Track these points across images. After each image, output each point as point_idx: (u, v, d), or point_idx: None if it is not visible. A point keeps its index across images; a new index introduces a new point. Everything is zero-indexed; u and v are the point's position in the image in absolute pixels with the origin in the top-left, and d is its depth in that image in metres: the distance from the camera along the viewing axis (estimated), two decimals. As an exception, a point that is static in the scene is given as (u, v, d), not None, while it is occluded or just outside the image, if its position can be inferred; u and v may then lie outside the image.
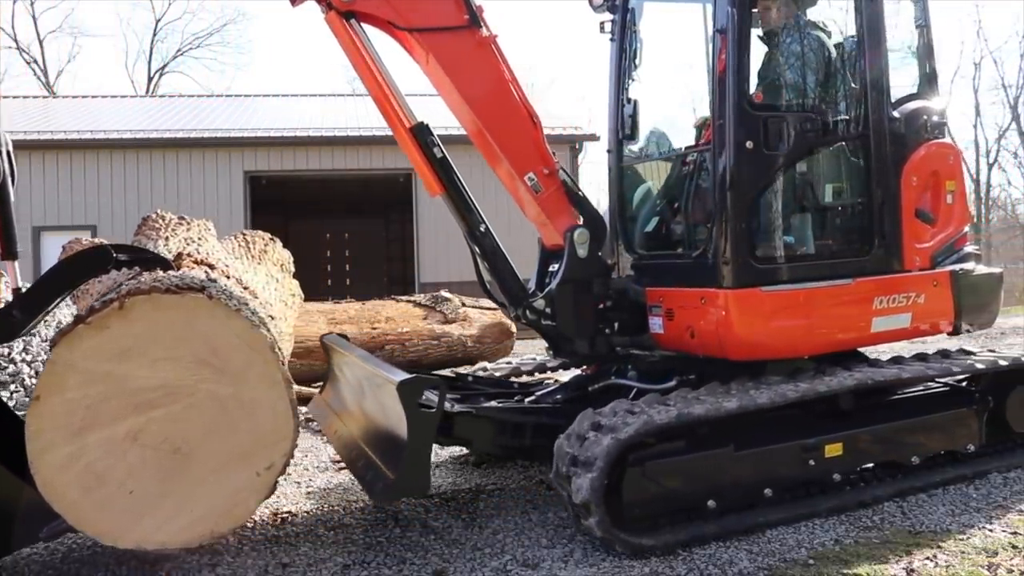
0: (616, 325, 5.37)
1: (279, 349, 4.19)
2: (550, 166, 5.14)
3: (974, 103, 48.34)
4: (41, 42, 46.97)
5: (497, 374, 6.15)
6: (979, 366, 5.13)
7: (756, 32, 5.40)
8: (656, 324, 5.19)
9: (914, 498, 5.00)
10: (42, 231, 19.96)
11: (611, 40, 5.76)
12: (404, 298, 11.59)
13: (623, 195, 5.74)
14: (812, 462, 4.70)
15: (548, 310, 5.18)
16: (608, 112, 5.83)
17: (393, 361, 9.88)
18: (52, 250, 20.51)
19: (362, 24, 4.94)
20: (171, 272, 4.33)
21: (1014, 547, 4.17)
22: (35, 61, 42.05)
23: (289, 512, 5.17)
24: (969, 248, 5.54)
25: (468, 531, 4.71)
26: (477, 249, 5.15)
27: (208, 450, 3.84)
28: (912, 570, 3.92)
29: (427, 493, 4.39)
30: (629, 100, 5.66)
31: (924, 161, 5.28)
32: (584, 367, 5.81)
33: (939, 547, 4.20)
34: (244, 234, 6.23)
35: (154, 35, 46.60)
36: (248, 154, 20.38)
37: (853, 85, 5.15)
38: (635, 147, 5.76)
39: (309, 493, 5.65)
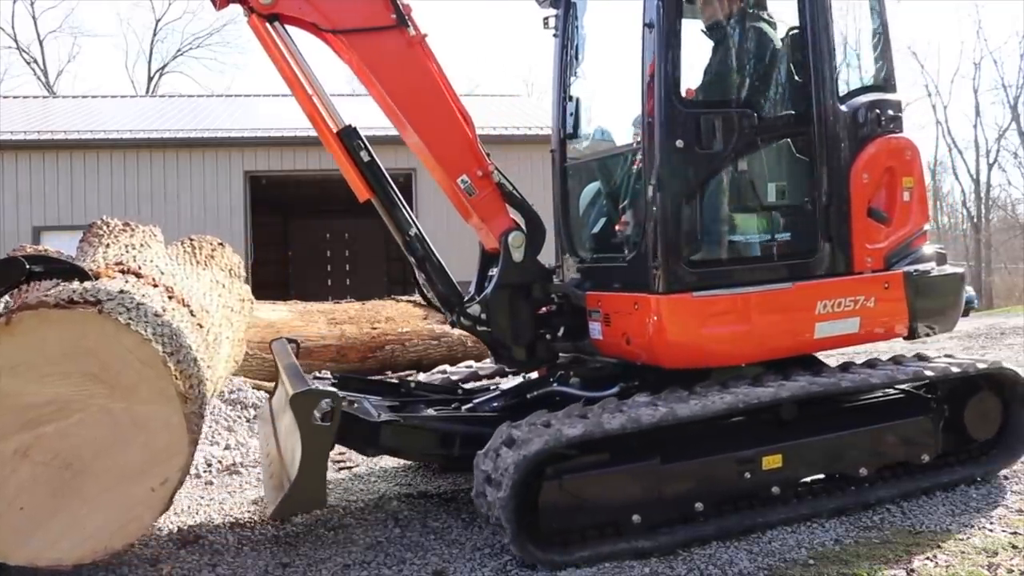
0: (557, 330, 5.18)
1: (188, 361, 4.11)
2: (484, 168, 4.98)
3: (974, 103, 47.91)
4: (41, 42, 47.28)
5: (454, 378, 5.97)
6: (928, 373, 4.86)
7: (700, 26, 5.17)
8: (595, 330, 5.01)
9: (914, 498, 4.91)
10: (42, 231, 19.96)
11: (554, 36, 5.55)
12: (404, 298, 11.48)
13: (566, 196, 5.54)
14: (748, 475, 4.50)
15: (483, 316, 5.01)
16: (551, 110, 5.61)
17: (392, 361, 9.90)
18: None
19: (286, 26, 4.81)
20: (65, 285, 4.22)
21: (1014, 547, 4.12)
22: (35, 61, 42.33)
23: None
24: (929, 248, 5.27)
25: (468, 531, 4.71)
26: (408, 253, 4.99)
27: (101, 466, 3.78)
28: (912, 570, 3.89)
29: (323, 506, 4.24)
30: (571, 98, 5.44)
31: (877, 157, 5.03)
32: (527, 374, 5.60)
33: (939, 547, 4.16)
34: (191, 239, 6.13)
35: (154, 35, 47.03)
36: (248, 154, 20.32)
37: (797, 79, 4.91)
38: (578, 146, 5.55)
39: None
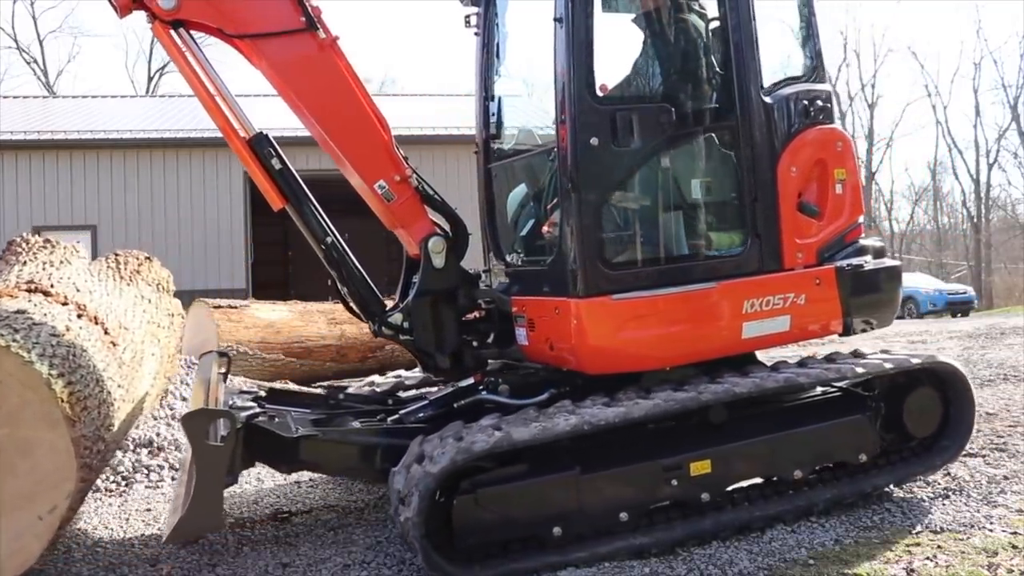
0: (485, 337, 5.01)
1: (85, 382, 3.98)
2: (401, 172, 4.80)
3: (974, 103, 47.28)
4: (41, 42, 47.15)
5: (379, 389, 5.79)
6: (858, 370, 4.62)
7: (630, 18, 4.95)
8: (521, 335, 4.83)
9: (914, 498, 4.86)
10: (42, 231, 19.79)
11: (475, 35, 5.32)
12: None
13: (491, 198, 5.33)
14: (675, 482, 4.30)
15: (405, 324, 4.83)
16: (474, 111, 5.39)
17: (392, 361, 9.75)
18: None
19: (191, 32, 4.64)
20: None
21: (1014, 547, 4.05)
22: (35, 61, 42.28)
23: (289, 512, 5.16)
24: (865, 241, 5.03)
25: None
26: (325, 262, 4.84)
27: (-15, 494, 3.60)
28: (912, 570, 3.85)
29: (220, 529, 4.09)
30: (493, 97, 5.23)
31: (805, 150, 4.79)
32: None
33: (939, 547, 4.10)
34: (117, 255, 5.97)
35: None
36: None
37: (719, 70, 4.67)
38: (502, 147, 5.34)
39: (309, 493, 5.59)
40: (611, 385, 4.52)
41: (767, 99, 4.70)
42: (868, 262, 4.90)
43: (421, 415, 4.90)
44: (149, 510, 5.43)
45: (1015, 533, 4.24)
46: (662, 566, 3.98)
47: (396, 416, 4.96)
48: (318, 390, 6.02)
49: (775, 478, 4.58)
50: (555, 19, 4.41)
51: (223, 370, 5.42)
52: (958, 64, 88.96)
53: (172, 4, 4.47)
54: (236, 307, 9.97)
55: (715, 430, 4.50)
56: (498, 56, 5.25)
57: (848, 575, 3.84)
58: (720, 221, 4.71)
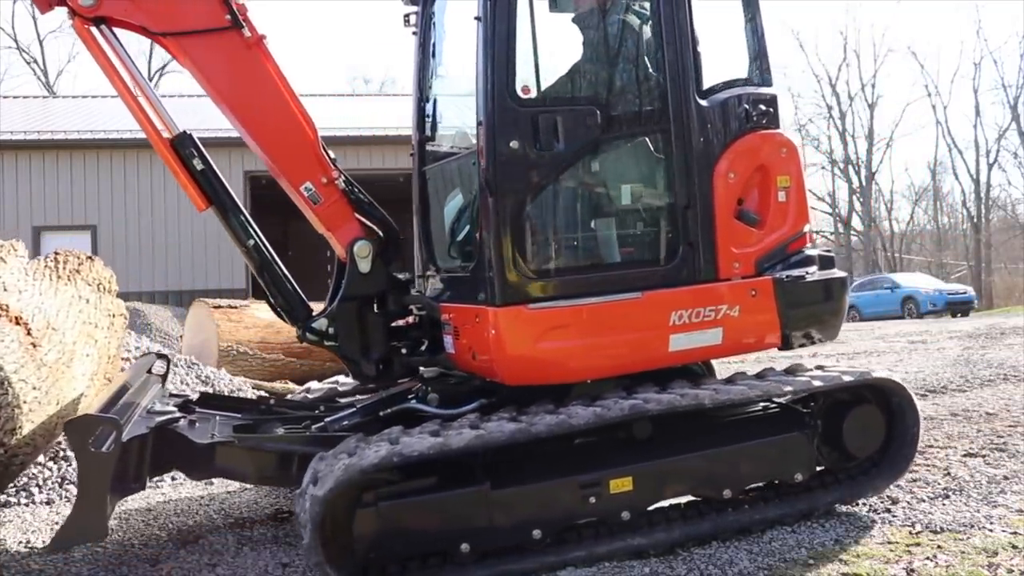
0: (417, 344, 4.81)
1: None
2: (328, 175, 4.61)
3: (974, 103, 46.83)
4: (41, 42, 47.16)
5: (311, 396, 5.59)
6: (786, 388, 4.39)
7: (568, 17, 4.74)
8: (448, 343, 4.64)
9: (914, 498, 4.79)
10: (42, 231, 19.92)
11: (413, 34, 5.12)
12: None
13: (425, 201, 5.12)
14: (593, 499, 4.08)
15: (330, 330, 4.62)
16: (412, 112, 5.19)
17: None
18: (52, 250, 20.53)
19: (114, 29, 4.48)
20: None
21: (1014, 547, 4.01)
22: (35, 61, 42.25)
23: (289, 512, 5.10)
24: (812, 251, 4.78)
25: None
26: (249, 264, 4.63)
27: None
28: (912, 570, 3.81)
29: (102, 538, 3.91)
30: (428, 98, 5.02)
31: (745, 155, 4.58)
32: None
33: (939, 547, 4.06)
34: (57, 254, 5.77)
35: None
36: (248, 154, 19.48)
37: (653, 72, 4.45)
38: (436, 149, 5.13)
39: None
40: (538, 396, 4.31)
41: (703, 102, 4.48)
42: (810, 273, 4.66)
43: (346, 423, 4.69)
44: (150, 510, 5.41)
45: (1015, 533, 4.18)
46: (662, 566, 3.94)
47: (321, 424, 4.75)
48: (250, 396, 5.83)
49: (703, 498, 4.36)
50: (475, 17, 4.21)
51: (162, 372, 5.26)
52: (958, 64, 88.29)
53: (93, 1, 4.33)
54: (236, 307, 9.92)
55: (642, 445, 4.28)
56: (434, 56, 5.06)
57: (848, 575, 3.79)
58: (650, 229, 4.49)
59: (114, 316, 5.79)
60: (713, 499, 4.34)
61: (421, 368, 4.93)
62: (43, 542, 4.78)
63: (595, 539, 4.10)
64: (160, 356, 5.40)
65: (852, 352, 12.12)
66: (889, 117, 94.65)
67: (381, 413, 4.71)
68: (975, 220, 45.08)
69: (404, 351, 4.81)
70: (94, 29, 4.42)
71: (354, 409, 4.82)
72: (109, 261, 20.91)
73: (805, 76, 74.62)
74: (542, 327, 4.14)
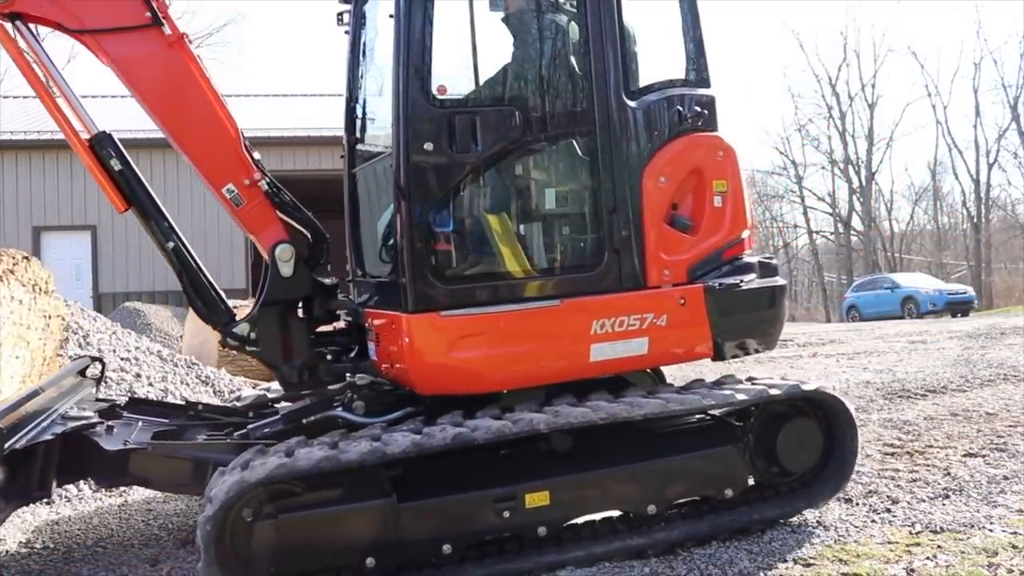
0: (344, 350, 4.61)
1: None
2: (251, 176, 4.41)
3: (974, 103, 46.12)
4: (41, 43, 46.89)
5: (240, 403, 5.38)
6: (708, 401, 4.14)
7: (499, 16, 4.52)
8: (372, 350, 4.41)
9: (914, 498, 4.71)
10: (42, 231, 19.88)
11: (346, 33, 4.90)
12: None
13: (355, 204, 4.92)
14: (508, 514, 3.87)
15: (252, 335, 4.42)
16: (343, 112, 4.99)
17: None
18: (52, 250, 20.52)
19: (31, 26, 4.31)
20: None
21: (1014, 547, 3.95)
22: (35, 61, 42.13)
23: None
24: (752, 258, 4.54)
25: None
26: (169, 266, 4.47)
27: None
28: (912, 570, 3.75)
29: None
30: (357, 99, 4.81)
31: (677, 158, 4.34)
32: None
33: (939, 547, 4.00)
34: (-9, 253, 5.59)
35: None
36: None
37: (578, 72, 4.23)
38: (365, 150, 4.93)
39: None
40: (460, 406, 4.08)
41: (631, 103, 4.25)
42: (746, 281, 4.41)
43: (267, 430, 4.49)
44: (150, 510, 5.30)
45: (1015, 533, 4.13)
46: (662, 566, 3.87)
47: (243, 431, 4.55)
48: (178, 400, 5.65)
49: (628, 513, 4.13)
50: (390, 15, 4.00)
51: (95, 375, 5.08)
52: (958, 64, 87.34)
53: None
54: (236, 307, 9.59)
55: (563, 458, 4.06)
56: (364, 55, 4.84)
57: (848, 575, 3.73)
58: (572, 235, 4.27)
59: (50, 318, 5.62)
60: (638, 515, 4.11)
61: (350, 375, 4.72)
62: (43, 542, 4.72)
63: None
64: (95, 359, 5.20)
65: (852, 352, 11.94)
66: (889, 117, 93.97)
67: (304, 421, 4.51)
68: (975, 220, 44.56)
69: (329, 357, 4.60)
70: (9, 25, 4.25)
71: (277, 416, 4.63)
72: (109, 261, 20.78)
73: (805, 76, 74.18)
74: (454, 335, 3.93)
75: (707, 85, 4.51)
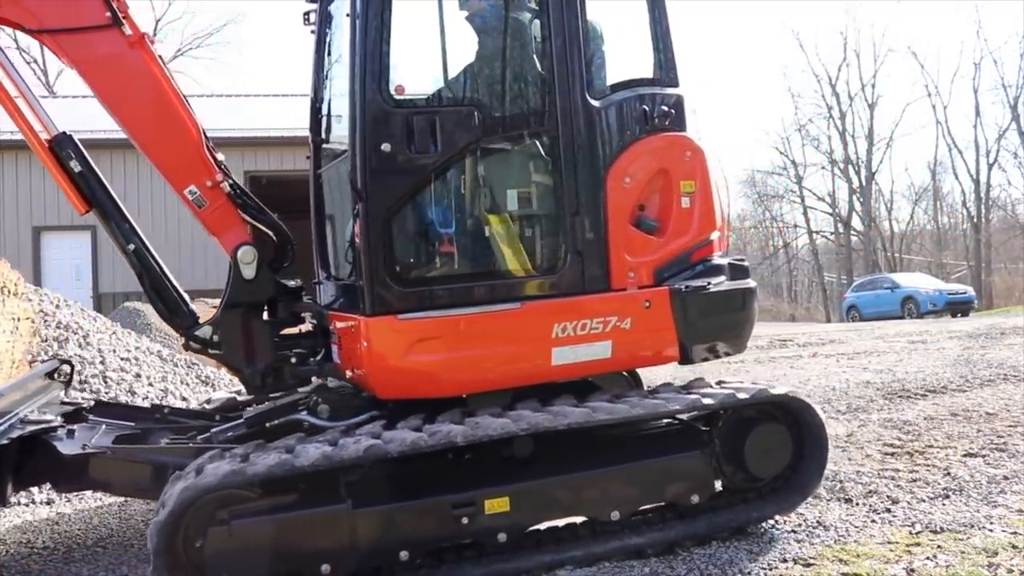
0: (307, 353, 4.51)
1: None
2: (213, 178, 4.33)
3: (974, 103, 45.77)
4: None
5: (208, 407, 5.31)
6: (673, 406, 4.03)
7: (463, 14, 4.43)
8: (335, 353, 4.32)
9: (914, 498, 4.68)
10: (42, 231, 19.81)
11: (311, 32, 4.81)
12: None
13: (320, 205, 4.83)
14: (466, 520, 3.77)
15: (215, 338, 4.34)
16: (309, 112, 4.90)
17: None
18: (52, 250, 20.50)
19: None
20: None
21: (1014, 547, 3.93)
22: (35, 61, 41.92)
23: None
24: (721, 260, 4.43)
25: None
26: (131, 268, 4.42)
27: None
28: (912, 570, 3.72)
29: None
30: (322, 99, 4.72)
31: (643, 158, 4.24)
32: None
33: (939, 547, 3.98)
34: (-44, 257, 5.54)
35: (154, 35, 45.78)
36: (248, 154, 19.89)
37: (540, 71, 4.13)
38: (332, 150, 4.82)
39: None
40: (425, 409, 3.99)
41: (595, 103, 4.15)
42: (714, 283, 4.30)
43: (230, 434, 4.41)
44: (150, 510, 5.21)
45: (1015, 533, 4.10)
46: (662, 566, 3.85)
47: (207, 435, 4.47)
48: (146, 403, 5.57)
49: (590, 519, 4.04)
50: (347, 14, 3.92)
51: (62, 378, 5.00)
52: (958, 64, 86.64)
53: None
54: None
55: (525, 463, 3.97)
56: (329, 54, 4.74)
57: (848, 575, 3.70)
58: (534, 236, 4.16)
59: (19, 320, 5.55)
60: (600, 521, 4.02)
61: (316, 378, 4.64)
62: (43, 542, 4.69)
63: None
64: (64, 361, 5.12)
65: (852, 352, 11.85)
66: (889, 117, 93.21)
67: (268, 424, 4.43)
68: (975, 220, 44.30)
69: (294, 360, 4.51)
70: None
71: (241, 420, 4.55)
72: (109, 261, 20.71)
73: (805, 76, 73.84)
74: (412, 338, 3.84)
75: (675, 84, 4.40)
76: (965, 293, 27.50)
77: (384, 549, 3.69)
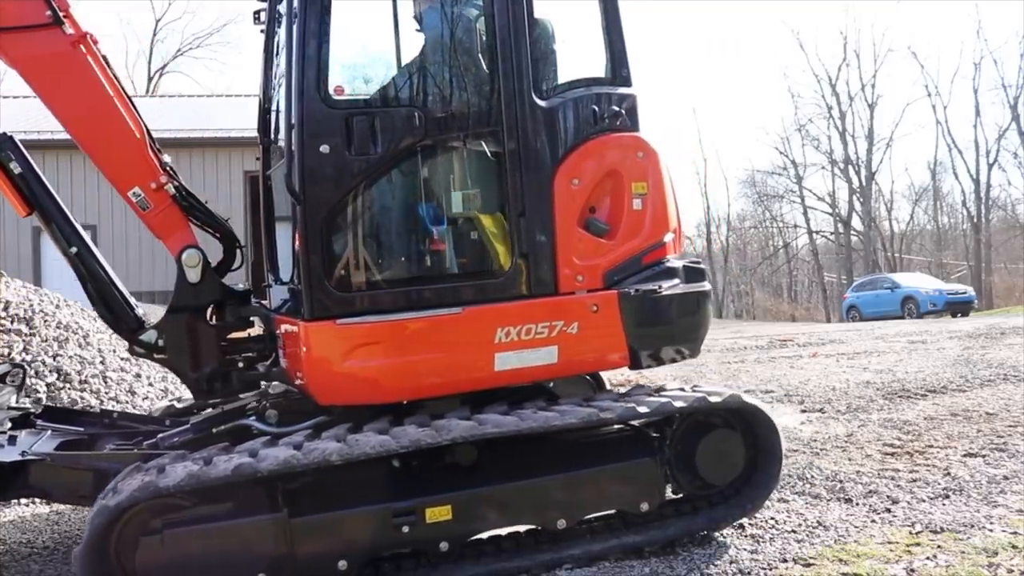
0: (256, 357, 4.41)
1: None
2: (158, 180, 4.24)
3: (974, 103, 45.24)
4: None
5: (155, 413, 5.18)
6: (607, 415, 3.87)
7: (412, 14, 4.33)
8: (281, 358, 4.20)
9: (914, 498, 4.66)
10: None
11: (261, 32, 4.69)
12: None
13: (270, 208, 4.71)
14: (407, 528, 3.66)
15: (160, 342, 4.23)
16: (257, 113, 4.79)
17: None
18: (52, 250, 20.40)
19: None
20: None
21: (1014, 547, 3.91)
22: None
23: None
24: (675, 262, 4.29)
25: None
26: (73, 271, 4.29)
27: None
28: (912, 570, 3.70)
29: None
30: (272, 98, 4.61)
31: (592, 159, 4.10)
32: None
33: (939, 547, 3.96)
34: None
35: (154, 35, 45.16)
36: (248, 154, 19.71)
37: (486, 70, 4.01)
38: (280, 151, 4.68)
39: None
40: (380, 414, 3.90)
41: (542, 103, 4.01)
42: (666, 286, 4.16)
43: (176, 440, 4.28)
44: None
45: (1015, 533, 4.09)
46: (662, 565, 3.82)
47: (153, 440, 4.35)
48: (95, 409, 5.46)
49: (537, 528, 3.92)
50: (286, 13, 3.81)
51: (14, 382, 4.90)
52: (958, 64, 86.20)
53: None
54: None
55: (470, 471, 3.84)
56: (277, 54, 4.62)
57: (848, 575, 3.68)
58: (478, 239, 4.02)
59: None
60: (546, 529, 3.89)
61: (265, 383, 4.53)
62: (43, 542, 4.64)
63: None
64: (16, 365, 5.02)
65: (852, 352, 11.75)
66: (889, 117, 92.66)
67: (215, 430, 4.31)
68: (975, 220, 43.93)
69: (241, 365, 4.41)
70: None
71: (187, 425, 4.43)
72: (109, 261, 20.67)
73: (805, 76, 73.40)
74: (351, 344, 3.73)
75: (628, 84, 4.26)
76: (965, 293, 27.24)
77: (322, 558, 3.57)
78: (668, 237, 4.31)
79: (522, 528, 3.94)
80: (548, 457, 3.98)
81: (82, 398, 6.89)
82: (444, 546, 3.72)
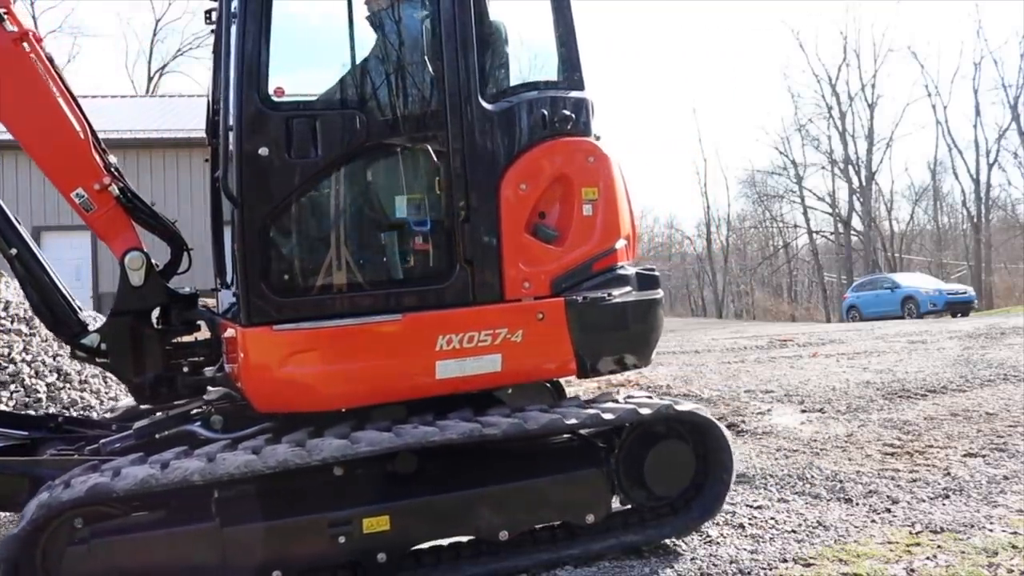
0: (201, 362, 4.29)
1: None
2: (101, 180, 4.14)
3: (974, 103, 44.84)
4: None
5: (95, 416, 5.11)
6: (569, 421, 3.76)
7: (365, 14, 4.19)
8: (226, 363, 4.09)
9: (914, 498, 4.64)
10: (42, 231, 19.71)
11: (212, 32, 4.59)
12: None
13: (218, 211, 4.61)
14: (343, 539, 3.56)
15: (102, 346, 4.12)
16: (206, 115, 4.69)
17: None
18: (52, 250, 20.37)
19: None
20: None
21: (1014, 547, 3.90)
22: None
23: None
24: (628, 269, 4.17)
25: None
26: (13, 273, 4.20)
27: None
28: (912, 570, 3.69)
29: None
30: (219, 100, 4.49)
31: (541, 164, 3.98)
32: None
33: (939, 547, 3.94)
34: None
35: (154, 35, 44.92)
36: None
37: (431, 72, 3.89)
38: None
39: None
40: (319, 422, 3.77)
41: (488, 106, 3.90)
42: (616, 294, 4.04)
43: (118, 445, 4.18)
44: None
45: (1015, 533, 4.08)
46: (662, 565, 3.79)
47: (95, 445, 4.25)
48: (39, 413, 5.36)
49: (477, 539, 3.81)
50: (229, 14, 3.70)
51: None
52: (958, 64, 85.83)
53: None
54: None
55: (409, 480, 3.73)
56: (227, 54, 4.50)
57: (848, 575, 3.67)
58: (420, 245, 3.90)
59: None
60: (487, 541, 3.78)
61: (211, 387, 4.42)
62: None
63: None
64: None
65: (852, 352, 11.62)
66: (889, 117, 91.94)
67: (157, 436, 4.20)
68: (975, 220, 43.63)
69: (187, 369, 4.30)
70: None
71: (131, 431, 4.33)
72: (109, 261, 20.63)
73: (805, 76, 72.98)
74: (288, 350, 3.63)
75: (580, 88, 4.14)
76: (965, 293, 27.01)
77: (255, 568, 3.47)
78: (620, 244, 4.19)
79: (464, 539, 3.83)
80: (492, 467, 3.86)
81: (82, 398, 6.83)
82: (382, 557, 3.61)
